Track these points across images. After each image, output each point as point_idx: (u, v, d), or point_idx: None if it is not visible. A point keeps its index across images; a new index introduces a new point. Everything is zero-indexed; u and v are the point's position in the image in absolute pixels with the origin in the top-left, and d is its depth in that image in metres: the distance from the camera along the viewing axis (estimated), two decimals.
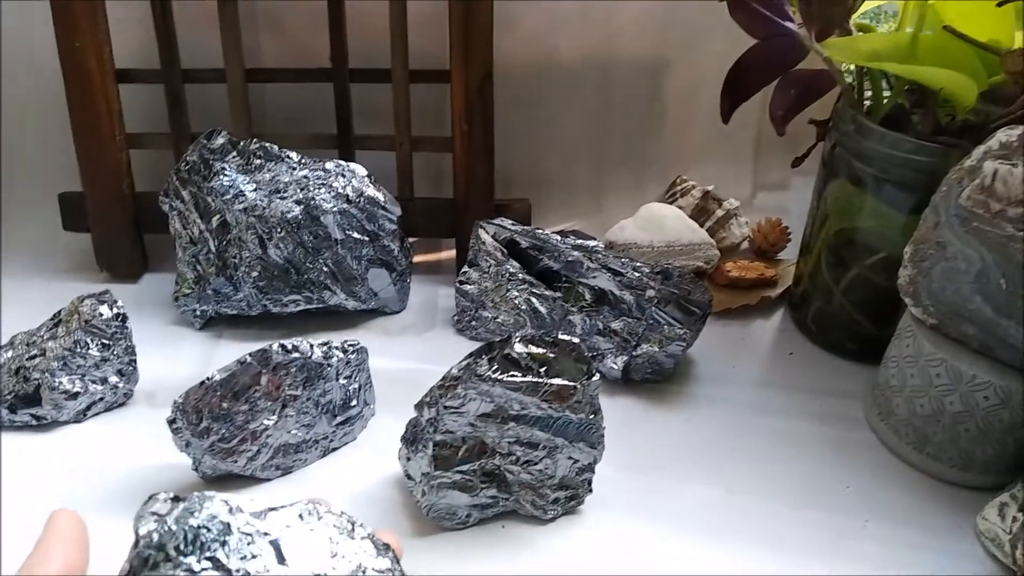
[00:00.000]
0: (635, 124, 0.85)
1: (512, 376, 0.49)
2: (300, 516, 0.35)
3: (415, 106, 0.74)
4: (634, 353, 0.62)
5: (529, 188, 0.78)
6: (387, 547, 0.36)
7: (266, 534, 0.34)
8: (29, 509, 0.52)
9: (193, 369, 0.65)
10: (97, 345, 0.59)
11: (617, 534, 0.53)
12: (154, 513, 0.34)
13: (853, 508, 0.55)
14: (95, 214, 0.73)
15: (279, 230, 0.65)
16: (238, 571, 0.32)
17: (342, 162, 0.68)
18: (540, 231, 0.68)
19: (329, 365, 0.55)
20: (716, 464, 0.58)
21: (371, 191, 0.67)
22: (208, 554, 0.32)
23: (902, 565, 0.51)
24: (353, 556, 0.35)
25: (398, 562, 0.36)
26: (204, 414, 0.52)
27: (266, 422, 0.53)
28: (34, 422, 0.59)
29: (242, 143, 0.67)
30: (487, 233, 0.69)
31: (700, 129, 0.86)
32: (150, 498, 0.35)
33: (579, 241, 0.67)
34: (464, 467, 0.51)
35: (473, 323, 0.70)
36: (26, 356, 0.59)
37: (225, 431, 0.52)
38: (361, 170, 0.68)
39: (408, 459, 0.53)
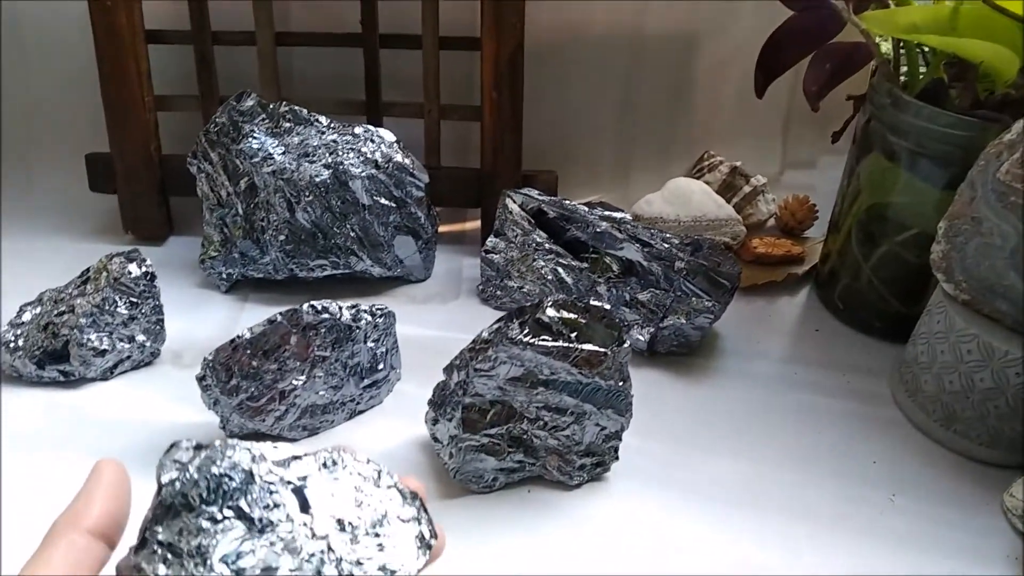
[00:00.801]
0: (664, 98, 0.84)
1: (543, 340, 0.48)
2: (324, 464, 0.34)
3: (444, 74, 0.73)
4: (661, 325, 0.62)
5: (555, 161, 0.78)
6: (414, 496, 0.35)
7: (289, 483, 0.33)
8: (55, 463, 0.53)
9: (219, 332, 0.65)
10: (125, 303, 0.59)
11: (643, 502, 0.53)
12: (176, 461, 0.33)
13: (879, 482, 0.55)
14: (122, 175, 0.73)
15: (307, 194, 0.64)
16: (260, 520, 0.32)
17: (371, 127, 0.67)
18: (567, 202, 0.68)
19: (358, 327, 0.55)
20: (742, 436, 0.58)
21: (399, 157, 0.67)
22: (230, 503, 0.32)
23: (929, 539, 0.51)
24: (379, 504, 0.34)
25: (425, 510, 0.35)
26: (234, 371, 0.52)
27: (295, 382, 0.53)
28: (61, 378, 0.59)
29: (271, 106, 0.66)
30: (514, 202, 0.68)
31: (729, 104, 0.85)
32: (172, 446, 0.34)
33: (607, 212, 0.67)
34: (492, 431, 0.51)
35: (498, 293, 0.70)
36: (54, 312, 0.59)
37: (254, 389, 0.52)
38: (390, 136, 0.67)
39: (435, 422, 0.53)
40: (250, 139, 0.65)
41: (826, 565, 0.49)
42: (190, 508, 0.32)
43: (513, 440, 0.52)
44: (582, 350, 0.49)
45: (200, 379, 0.52)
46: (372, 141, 0.67)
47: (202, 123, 0.72)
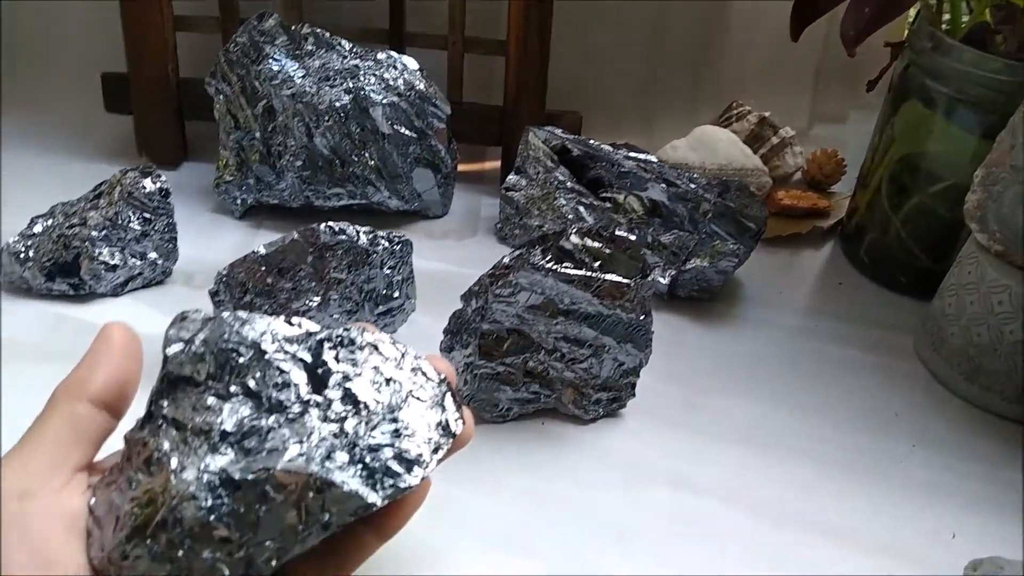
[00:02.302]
0: (694, 44, 0.82)
1: (565, 268, 0.47)
2: (343, 343, 0.32)
3: (470, 8, 0.71)
4: (683, 268, 0.61)
5: (579, 104, 0.76)
6: (442, 379, 0.33)
7: (302, 361, 0.31)
8: (61, 376, 0.51)
9: (232, 256, 0.62)
10: (138, 219, 0.58)
11: (658, 440, 0.52)
12: (182, 333, 0.32)
13: (900, 434, 0.54)
14: (138, 96, 0.71)
15: (327, 118, 0.63)
16: (269, 399, 0.30)
17: (394, 53, 0.66)
18: (592, 141, 0.67)
19: (375, 252, 0.54)
20: (761, 383, 0.57)
21: (422, 85, 0.65)
22: (238, 380, 0.30)
23: (950, 489, 0.50)
24: (400, 387, 0.32)
25: (453, 395, 0.33)
26: (248, 288, 0.51)
27: (309, 303, 0.52)
28: (71, 291, 0.58)
29: (293, 28, 0.65)
30: (538, 139, 0.67)
31: (760, 54, 0.83)
32: (180, 316, 0.32)
33: (632, 153, 0.66)
34: (508, 360, 0.50)
35: (517, 231, 0.68)
36: (66, 225, 0.58)
37: (268, 308, 0.51)
38: (413, 63, 0.66)
39: (450, 349, 0.52)
40: (270, 61, 0.64)
41: (842, 509, 0.48)
42: (195, 383, 0.30)
43: (528, 373, 0.51)
44: (605, 280, 0.48)
45: (213, 294, 0.51)
46: (395, 67, 0.65)
47: (222, 45, 0.71)
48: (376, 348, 0.32)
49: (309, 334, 0.32)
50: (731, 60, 0.83)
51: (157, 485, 0.29)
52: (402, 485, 0.29)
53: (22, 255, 0.57)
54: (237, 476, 0.28)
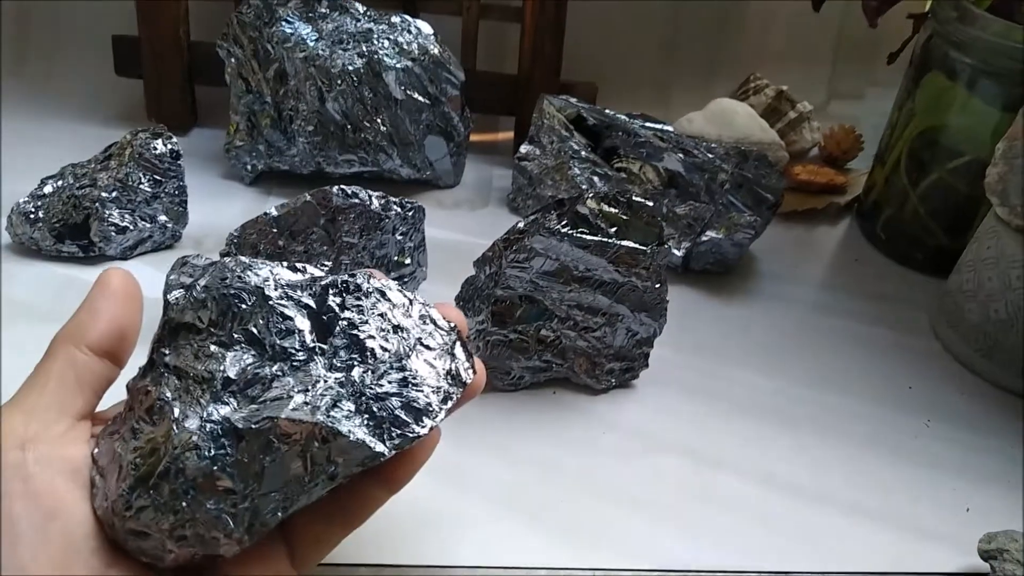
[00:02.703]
0: (712, 16, 0.81)
1: (581, 233, 0.46)
2: (348, 289, 0.31)
3: None
4: (698, 239, 0.60)
5: (593, 74, 0.75)
6: (451, 327, 0.32)
7: (307, 307, 0.30)
8: None
9: (241, 221, 0.63)
10: (149, 180, 0.58)
11: (670, 411, 0.51)
12: (183, 279, 0.31)
13: (915, 409, 0.53)
14: (149, 59, 0.71)
15: (339, 82, 0.62)
16: (273, 347, 0.29)
17: (408, 17, 0.65)
18: (608, 110, 0.66)
19: (387, 217, 0.53)
20: (775, 356, 0.56)
21: (436, 51, 0.64)
22: (240, 327, 0.29)
23: (964, 464, 0.49)
24: (407, 335, 0.30)
25: (463, 344, 0.32)
26: (259, 249, 0.50)
27: (321, 268, 0.52)
28: (80, 253, 0.57)
29: None
30: (553, 107, 0.66)
31: (780, 28, 0.82)
32: (180, 261, 0.31)
33: (648, 123, 0.65)
34: (520, 327, 0.49)
35: (530, 202, 0.68)
36: (76, 186, 0.57)
37: None
38: (427, 28, 0.65)
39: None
40: (283, 24, 0.63)
41: (856, 482, 0.47)
42: (197, 330, 0.30)
43: (541, 341, 0.50)
44: (621, 246, 0.47)
45: (224, 256, 0.51)
46: (409, 32, 0.64)
47: (233, 9, 0.70)
48: (383, 295, 0.31)
49: (314, 280, 0.31)
50: (749, 33, 0.82)
51: (159, 434, 0.28)
52: (410, 435, 0.28)
53: (32, 215, 0.56)
54: (241, 425, 0.28)
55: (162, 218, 0.59)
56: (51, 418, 0.29)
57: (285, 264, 0.31)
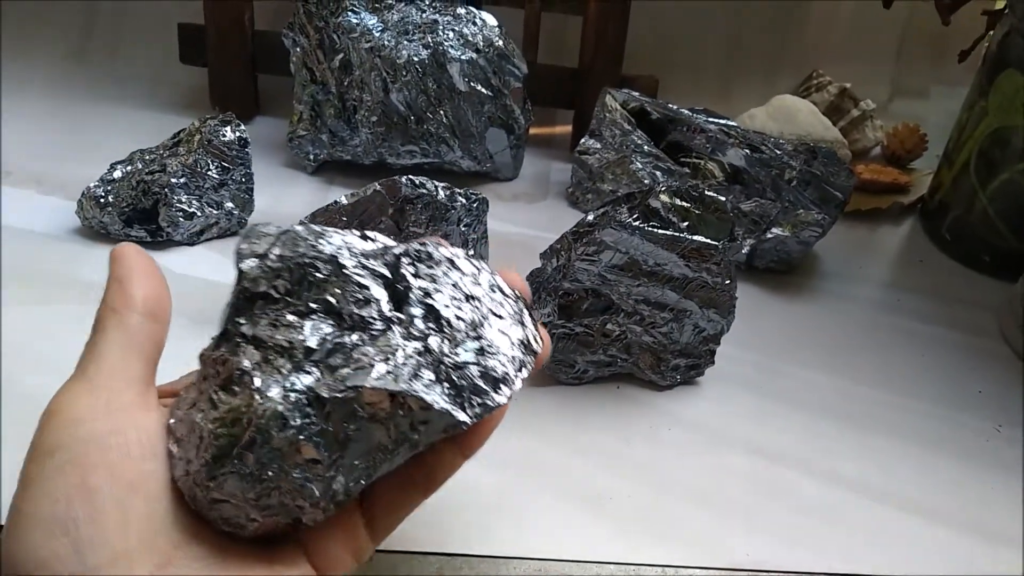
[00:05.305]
0: (775, 13, 0.80)
1: (652, 227, 0.46)
2: (420, 258, 0.30)
3: None
4: (763, 237, 0.59)
5: (655, 68, 0.74)
6: (517, 296, 0.32)
7: (381, 276, 0.29)
8: None
9: (305, 210, 0.63)
10: (217, 167, 0.58)
11: (735, 408, 0.51)
12: (255, 247, 0.30)
13: (984, 412, 0.52)
14: (214, 48, 0.71)
15: (404, 73, 0.62)
16: (351, 316, 0.29)
17: (473, 9, 0.65)
18: (671, 104, 0.65)
19: (453, 208, 0.53)
20: (842, 355, 0.55)
21: (500, 42, 0.64)
22: (317, 296, 0.29)
23: None
24: (479, 304, 0.30)
25: (530, 312, 0.32)
26: None
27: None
28: (148, 238, 0.58)
29: None
30: (616, 100, 0.65)
31: (843, 25, 0.81)
32: (252, 229, 0.31)
33: (712, 118, 0.64)
34: (586, 321, 0.49)
35: (589, 196, 0.67)
36: (145, 171, 0.58)
37: None
38: (492, 19, 0.65)
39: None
40: (349, 14, 0.63)
41: (926, 485, 0.46)
42: (273, 300, 0.29)
43: (606, 335, 0.50)
44: (692, 241, 0.46)
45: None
46: (474, 23, 0.64)
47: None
48: (453, 263, 0.31)
49: (386, 248, 0.31)
50: (813, 29, 0.81)
51: (241, 404, 0.28)
52: (491, 404, 0.28)
53: (102, 200, 0.57)
54: (325, 394, 0.27)
55: (228, 205, 0.59)
56: (118, 387, 0.29)
57: (356, 232, 0.31)
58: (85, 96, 0.75)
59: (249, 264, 0.29)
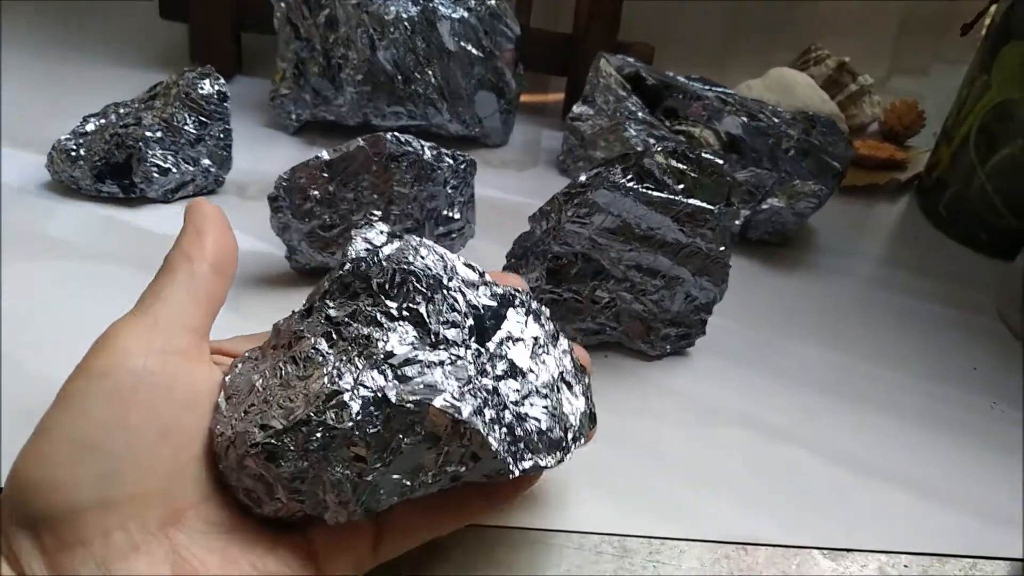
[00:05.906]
0: None
1: (647, 188, 0.44)
2: (515, 304, 0.32)
3: None
4: (758, 207, 0.58)
5: (651, 37, 0.72)
6: (582, 369, 0.33)
7: (475, 307, 0.30)
8: (107, 275, 0.50)
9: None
10: (194, 122, 0.56)
11: (726, 380, 0.49)
12: (368, 240, 0.31)
13: (980, 389, 0.51)
14: (196, 2, 0.69)
15: (392, 30, 0.60)
16: (437, 334, 0.29)
17: None
18: (667, 71, 0.63)
19: (439, 168, 0.51)
20: (836, 329, 0.54)
21: (493, 1, 0.62)
22: (411, 304, 0.29)
23: None
24: (553, 366, 0.31)
25: (589, 386, 0.33)
26: (309, 194, 0.48)
27: (370, 217, 0.50)
28: (121, 194, 0.56)
29: None
30: (611, 66, 0.64)
31: None
32: (367, 223, 0.32)
33: (709, 85, 0.62)
34: (575, 286, 0.47)
35: (580, 163, 0.66)
36: (119, 124, 0.56)
37: (328, 218, 0.49)
38: None
39: (514, 272, 0.49)
40: None
41: (921, 460, 0.45)
42: (369, 294, 0.29)
43: (595, 302, 0.48)
44: (687, 204, 0.45)
45: (272, 199, 0.49)
46: None
47: None
48: (537, 317, 0.32)
49: (485, 282, 0.32)
50: (812, 1, 0.79)
51: (308, 382, 0.28)
52: (541, 463, 0.29)
53: (73, 153, 0.55)
54: (393, 399, 0.27)
55: (205, 161, 0.57)
56: (175, 331, 0.28)
57: (463, 259, 0.32)
58: (60, 51, 0.72)
59: (359, 253, 0.30)
